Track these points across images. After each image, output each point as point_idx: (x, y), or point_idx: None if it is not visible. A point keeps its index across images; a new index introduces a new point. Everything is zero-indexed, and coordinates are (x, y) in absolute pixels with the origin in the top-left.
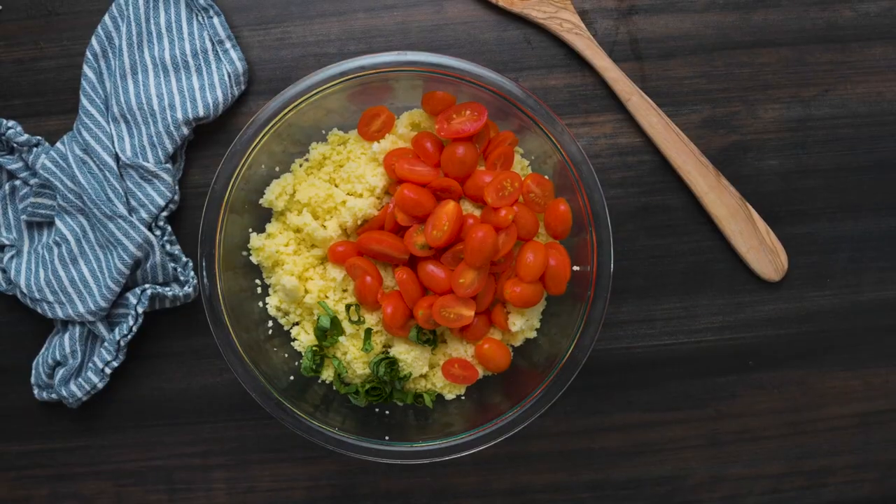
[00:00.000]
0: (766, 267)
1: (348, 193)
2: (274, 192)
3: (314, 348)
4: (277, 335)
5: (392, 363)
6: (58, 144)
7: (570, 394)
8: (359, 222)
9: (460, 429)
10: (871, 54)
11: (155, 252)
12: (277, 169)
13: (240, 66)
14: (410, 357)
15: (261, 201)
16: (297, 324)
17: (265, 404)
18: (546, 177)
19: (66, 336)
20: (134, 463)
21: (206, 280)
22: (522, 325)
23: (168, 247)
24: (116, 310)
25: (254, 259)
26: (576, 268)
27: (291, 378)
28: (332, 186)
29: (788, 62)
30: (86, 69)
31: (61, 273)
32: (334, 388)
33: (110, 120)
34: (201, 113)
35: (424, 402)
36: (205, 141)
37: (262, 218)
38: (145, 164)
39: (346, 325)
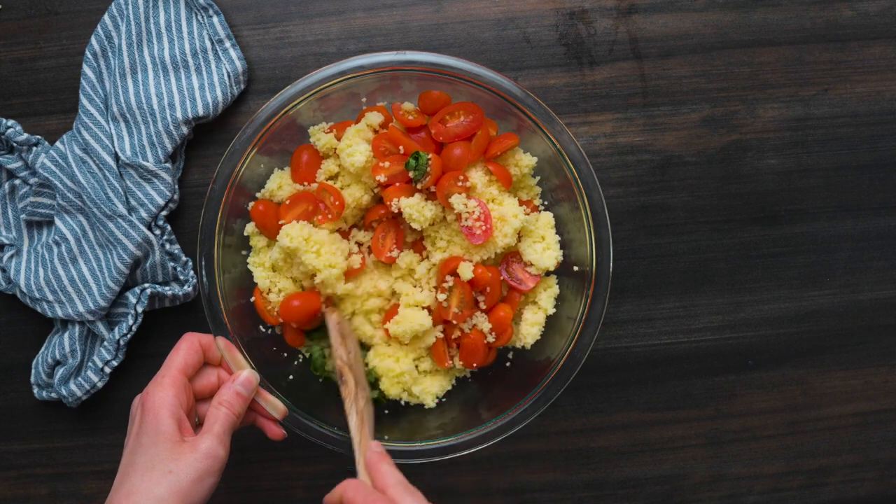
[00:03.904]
0: None
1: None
2: (275, 182)
3: (323, 349)
4: (277, 334)
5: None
6: (57, 144)
7: (569, 393)
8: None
9: (459, 428)
10: (871, 53)
11: (154, 251)
12: (277, 168)
13: (239, 65)
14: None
15: (259, 194)
16: None
17: None
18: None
19: (66, 335)
20: None
21: (205, 279)
22: (534, 332)
23: (168, 246)
24: (116, 309)
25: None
26: (575, 268)
27: (291, 378)
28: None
29: (788, 61)
30: (85, 68)
31: (61, 272)
32: (311, 369)
33: (110, 119)
34: (201, 112)
35: (426, 403)
36: (204, 140)
37: None
38: (145, 163)
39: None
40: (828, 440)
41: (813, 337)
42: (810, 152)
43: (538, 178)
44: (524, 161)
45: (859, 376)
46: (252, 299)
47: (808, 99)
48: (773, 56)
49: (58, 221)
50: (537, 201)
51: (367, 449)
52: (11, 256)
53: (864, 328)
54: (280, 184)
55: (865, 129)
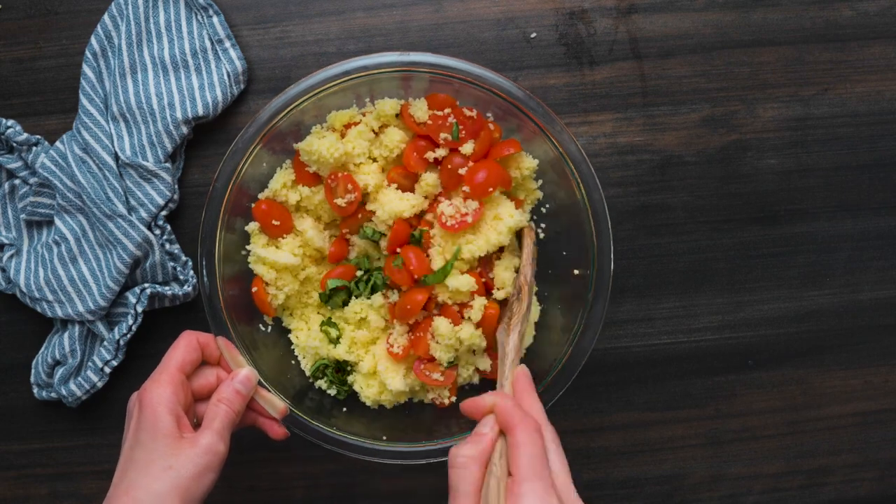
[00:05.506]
0: None
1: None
2: (278, 182)
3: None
4: (278, 334)
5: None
6: (57, 143)
7: (569, 393)
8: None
9: (460, 429)
10: (871, 53)
11: (154, 251)
12: (278, 168)
13: (239, 65)
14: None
15: (262, 194)
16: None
17: None
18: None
19: (66, 335)
20: None
21: (205, 279)
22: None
23: (167, 246)
24: (116, 309)
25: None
26: (575, 271)
27: (291, 377)
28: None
29: (788, 61)
30: (85, 68)
31: (61, 272)
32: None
33: (110, 119)
34: (200, 112)
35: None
36: (204, 140)
37: None
38: (145, 163)
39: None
40: (828, 440)
41: (813, 337)
42: (810, 152)
43: (540, 181)
44: (525, 163)
45: (859, 376)
46: (254, 289)
47: (807, 99)
48: (772, 56)
49: (58, 221)
50: (529, 206)
51: (521, 369)
52: (11, 256)
53: (864, 328)
54: (284, 182)
55: (865, 129)
